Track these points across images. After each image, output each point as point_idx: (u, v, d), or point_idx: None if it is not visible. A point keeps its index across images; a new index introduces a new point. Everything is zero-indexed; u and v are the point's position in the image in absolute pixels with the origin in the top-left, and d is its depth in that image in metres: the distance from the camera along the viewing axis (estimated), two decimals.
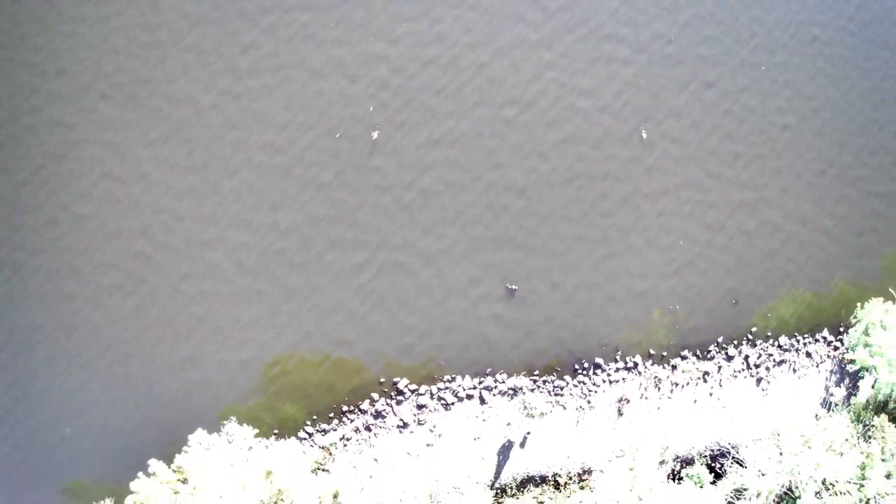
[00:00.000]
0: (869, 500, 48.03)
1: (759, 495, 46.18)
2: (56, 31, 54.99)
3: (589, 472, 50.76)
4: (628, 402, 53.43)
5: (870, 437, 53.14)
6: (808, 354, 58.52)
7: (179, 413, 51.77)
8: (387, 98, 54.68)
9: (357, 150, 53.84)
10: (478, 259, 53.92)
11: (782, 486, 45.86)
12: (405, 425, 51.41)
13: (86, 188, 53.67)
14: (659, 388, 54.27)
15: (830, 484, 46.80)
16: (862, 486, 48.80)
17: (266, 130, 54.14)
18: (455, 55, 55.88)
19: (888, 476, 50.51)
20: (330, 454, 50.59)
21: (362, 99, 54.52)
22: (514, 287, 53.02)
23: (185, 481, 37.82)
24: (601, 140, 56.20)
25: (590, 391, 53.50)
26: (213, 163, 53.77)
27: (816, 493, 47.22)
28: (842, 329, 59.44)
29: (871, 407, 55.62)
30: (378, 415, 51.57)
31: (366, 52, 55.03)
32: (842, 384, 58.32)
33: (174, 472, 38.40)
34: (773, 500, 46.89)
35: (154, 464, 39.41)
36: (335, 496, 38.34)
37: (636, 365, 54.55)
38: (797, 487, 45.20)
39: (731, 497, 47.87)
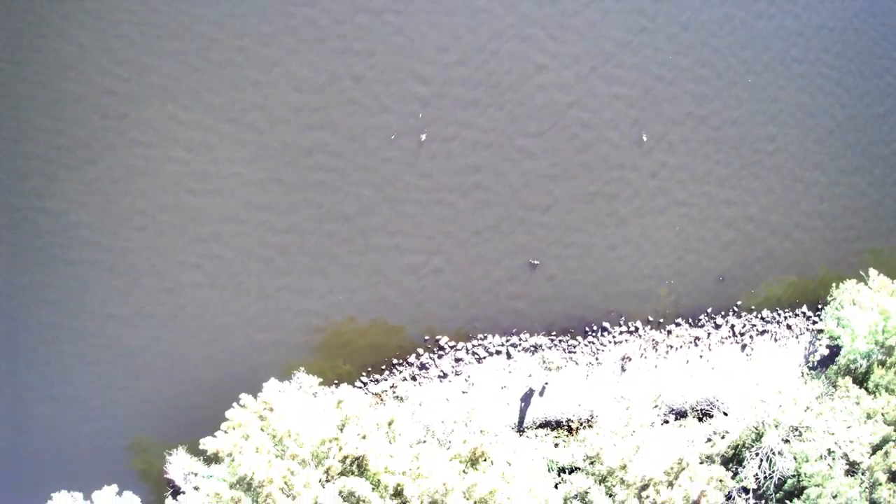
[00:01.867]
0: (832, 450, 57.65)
1: (728, 434, 56.64)
2: None
3: (596, 417, 61.27)
4: (630, 360, 63.95)
5: (835, 397, 62.87)
6: (789, 327, 68.14)
7: (241, 373, 61.80)
8: (431, 112, 65.68)
9: (408, 146, 65.14)
10: (507, 240, 64.43)
11: (753, 427, 55.87)
12: (445, 375, 62.51)
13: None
14: (656, 350, 64.63)
15: (795, 428, 56.63)
16: (832, 433, 58.53)
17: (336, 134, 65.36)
18: (492, 82, 66.71)
19: (849, 427, 60.17)
20: (381, 400, 61.19)
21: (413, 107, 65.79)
22: (536, 262, 63.76)
23: (270, 410, 48.12)
24: (609, 147, 66.75)
25: (598, 350, 64.17)
26: (289, 151, 64.89)
27: (784, 440, 57.01)
28: (820, 306, 69.12)
29: (840, 372, 65.29)
30: (422, 367, 62.75)
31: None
32: (817, 353, 68.14)
33: (262, 403, 48.70)
34: (749, 440, 56.87)
35: (244, 396, 49.68)
36: (390, 422, 48.62)
37: (637, 329, 65.09)
38: (763, 424, 55.13)
39: (711, 436, 58.07)
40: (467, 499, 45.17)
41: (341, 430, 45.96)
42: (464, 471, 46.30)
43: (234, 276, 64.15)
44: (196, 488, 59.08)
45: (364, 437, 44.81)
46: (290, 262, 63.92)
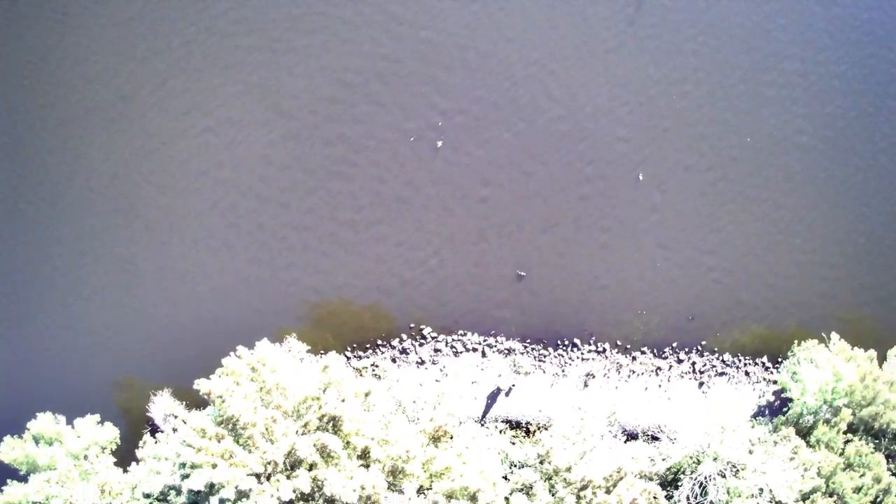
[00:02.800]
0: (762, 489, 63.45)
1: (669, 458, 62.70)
2: None
3: (553, 423, 67.22)
4: (593, 377, 69.73)
5: (776, 443, 68.75)
6: (747, 373, 73.90)
7: (235, 332, 66.89)
8: (448, 125, 71.86)
9: (423, 151, 71.48)
10: (501, 252, 70.78)
11: (693, 455, 61.80)
12: (423, 362, 68.66)
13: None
14: (619, 372, 70.45)
15: (732, 465, 62.51)
16: (764, 472, 64.34)
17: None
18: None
19: (783, 471, 66.06)
20: (361, 375, 67.25)
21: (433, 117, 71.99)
22: (523, 273, 69.95)
23: (263, 364, 53.94)
24: (608, 185, 72.61)
25: (566, 363, 70.07)
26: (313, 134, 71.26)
27: (721, 474, 62.84)
28: (779, 360, 74.86)
29: (786, 423, 71.11)
30: (404, 351, 69.08)
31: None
32: (768, 402, 73.67)
33: (256, 357, 54.52)
34: (687, 467, 62.81)
35: (241, 348, 55.46)
36: (367, 393, 54.42)
37: (605, 350, 70.96)
38: (703, 454, 61.06)
39: (654, 457, 64.00)
40: (425, 471, 51.10)
41: (323, 391, 51.82)
42: (426, 445, 52.30)
43: (245, 245, 70.49)
44: (175, 429, 65.27)
45: (343, 401, 50.75)
46: (300, 242, 70.43)
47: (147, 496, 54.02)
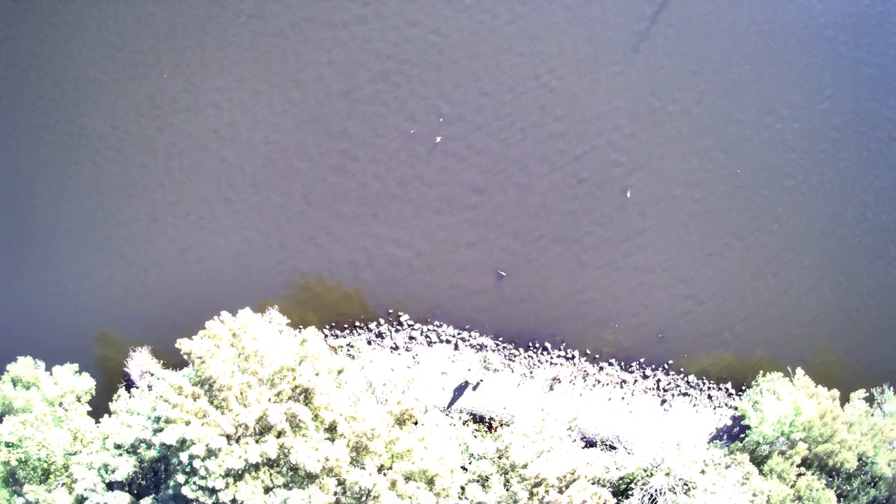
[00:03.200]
0: None
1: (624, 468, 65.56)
2: None
3: (515, 421, 69.99)
4: (559, 382, 72.54)
5: (729, 467, 71.59)
6: (710, 397, 76.79)
7: (218, 300, 69.28)
8: (448, 130, 74.72)
9: (419, 141, 74.22)
10: (486, 254, 73.67)
11: (647, 468, 64.62)
12: (396, 348, 71.44)
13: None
14: (585, 380, 73.27)
15: (684, 482, 65.29)
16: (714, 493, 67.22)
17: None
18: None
19: (732, 495, 68.90)
20: (336, 353, 69.84)
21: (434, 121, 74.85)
22: (503, 274, 72.75)
23: (244, 331, 56.39)
24: (597, 204, 75.37)
25: (534, 365, 72.88)
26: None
27: (671, 489, 65.61)
28: (743, 388, 77.70)
29: (742, 449, 73.95)
30: (379, 335, 71.89)
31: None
32: (727, 427, 76.71)
33: (239, 323, 56.97)
34: (640, 478, 65.55)
35: (224, 314, 57.81)
36: (340, 371, 56.96)
37: (573, 357, 73.82)
38: (656, 468, 63.89)
39: (609, 465, 66.87)
40: (387, 450, 53.71)
41: (299, 363, 54.38)
42: (391, 426, 54.92)
43: (239, 221, 73.50)
44: (150, 386, 67.69)
45: (317, 375, 53.32)
46: (293, 224, 73.47)
47: (118, 447, 56.30)
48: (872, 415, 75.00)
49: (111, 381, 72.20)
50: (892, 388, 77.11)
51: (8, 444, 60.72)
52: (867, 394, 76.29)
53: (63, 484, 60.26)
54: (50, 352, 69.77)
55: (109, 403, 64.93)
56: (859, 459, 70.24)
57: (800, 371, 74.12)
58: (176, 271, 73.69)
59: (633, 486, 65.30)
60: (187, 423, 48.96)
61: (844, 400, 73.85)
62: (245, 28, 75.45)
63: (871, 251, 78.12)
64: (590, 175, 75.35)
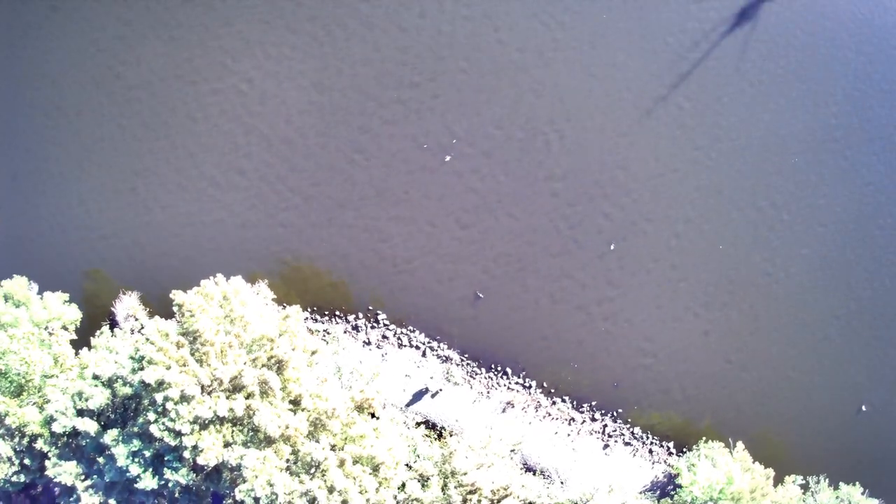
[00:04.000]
0: None
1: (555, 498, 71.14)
2: None
3: (464, 433, 75.57)
4: (513, 407, 78.01)
5: None
6: (651, 451, 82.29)
7: (212, 263, 75.44)
8: (459, 152, 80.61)
9: (430, 158, 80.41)
10: (470, 275, 79.57)
11: (576, 500, 70.37)
12: (369, 343, 76.96)
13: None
14: (537, 410, 78.74)
15: None
16: None
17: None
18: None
19: None
20: (312, 335, 75.41)
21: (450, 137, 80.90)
22: (481, 295, 78.57)
23: (235, 295, 61.87)
24: (581, 253, 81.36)
25: (492, 386, 78.45)
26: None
27: None
28: (684, 449, 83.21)
29: (672, 500, 79.40)
30: (356, 328, 77.44)
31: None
32: (661, 483, 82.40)
33: (232, 288, 62.48)
34: None
35: (219, 276, 63.27)
36: (314, 352, 62.47)
37: (531, 387, 79.42)
38: (584, 502, 69.69)
39: (541, 490, 72.54)
40: (342, 432, 59.22)
41: (279, 336, 59.96)
42: (350, 410, 60.46)
43: (248, 196, 79.15)
44: (133, 330, 72.85)
45: (293, 350, 58.86)
46: (296, 205, 79.26)
47: (96, 377, 61.43)
48: (804, 502, 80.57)
49: (95, 319, 76.66)
50: (827, 480, 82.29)
51: None
52: (804, 481, 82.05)
53: (34, 403, 65.06)
54: (42, 278, 74.79)
55: (91, 338, 69.72)
56: None
57: (740, 445, 79.45)
58: (178, 227, 79.10)
59: None
60: (167, 368, 54.36)
61: (779, 481, 79.49)
62: (297, 14, 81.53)
63: (836, 349, 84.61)
64: (579, 221, 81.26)
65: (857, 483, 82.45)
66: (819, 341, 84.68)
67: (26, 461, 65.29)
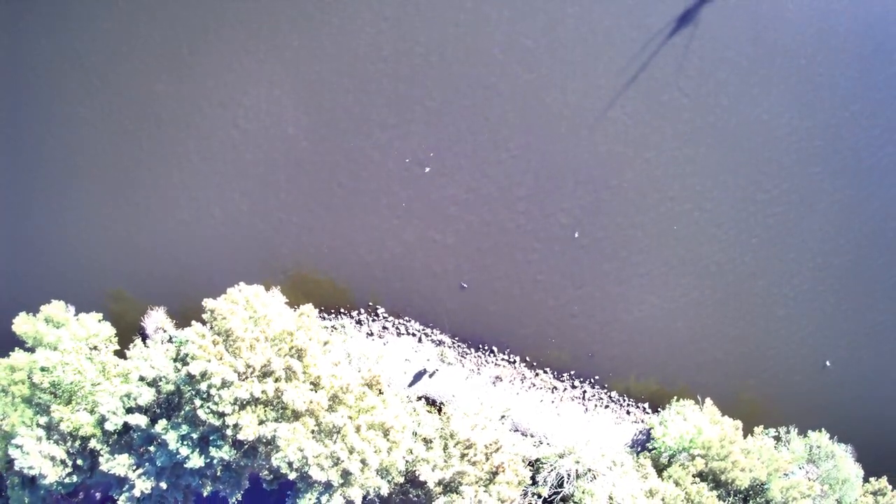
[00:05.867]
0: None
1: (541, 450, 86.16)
2: None
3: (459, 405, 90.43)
4: (501, 381, 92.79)
5: (635, 469, 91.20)
6: (628, 412, 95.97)
7: (229, 277, 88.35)
8: (439, 163, 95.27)
9: (411, 170, 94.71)
10: (451, 270, 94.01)
11: (560, 453, 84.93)
12: (371, 334, 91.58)
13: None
14: (522, 383, 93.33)
15: (590, 470, 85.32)
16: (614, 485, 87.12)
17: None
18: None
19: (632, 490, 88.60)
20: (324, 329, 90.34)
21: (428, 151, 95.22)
22: (465, 285, 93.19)
23: (257, 298, 76.59)
24: (543, 247, 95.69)
25: (482, 364, 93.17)
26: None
27: (577, 473, 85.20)
28: (659, 409, 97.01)
29: (648, 457, 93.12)
30: (359, 322, 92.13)
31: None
32: (640, 440, 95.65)
33: (254, 293, 77.22)
34: (553, 462, 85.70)
35: (242, 284, 78.00)
36: (326, 342, 77.27)
37: (515, 362, 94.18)
38: (568, 455, 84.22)
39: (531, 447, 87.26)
40: (356, 405, 73.98)
41: (297, 330, 74.75)
42: (362, 386, 75.29)
43: (253, 200, 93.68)
44: (165, 339, 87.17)
45: (310, 340, 73.63)
46: (302, 217, 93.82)
47: (142, 379, 75.83)
48: (778, 451, 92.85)
49: (123, 335, 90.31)
50: (796, 430, 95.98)
51: (43, 369, 78.18)
52: (776, 433, 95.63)
53: (84, 408, 78.44)
54: (72, 302, 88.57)
55: (126, 351, 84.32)
56: (753, 482, 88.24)
57: (708, 401, 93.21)
58: (195, 242, 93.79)
59: (543, 463, 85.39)
60: (209, 361, 69.02)
61: (749, 433, 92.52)
62: (294, 30, 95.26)
63: (800, 311, 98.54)
64: (545, 216, 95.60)
65: (823, 430, 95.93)
66: (782, 306, 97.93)
67: (79, 462, 78.99)
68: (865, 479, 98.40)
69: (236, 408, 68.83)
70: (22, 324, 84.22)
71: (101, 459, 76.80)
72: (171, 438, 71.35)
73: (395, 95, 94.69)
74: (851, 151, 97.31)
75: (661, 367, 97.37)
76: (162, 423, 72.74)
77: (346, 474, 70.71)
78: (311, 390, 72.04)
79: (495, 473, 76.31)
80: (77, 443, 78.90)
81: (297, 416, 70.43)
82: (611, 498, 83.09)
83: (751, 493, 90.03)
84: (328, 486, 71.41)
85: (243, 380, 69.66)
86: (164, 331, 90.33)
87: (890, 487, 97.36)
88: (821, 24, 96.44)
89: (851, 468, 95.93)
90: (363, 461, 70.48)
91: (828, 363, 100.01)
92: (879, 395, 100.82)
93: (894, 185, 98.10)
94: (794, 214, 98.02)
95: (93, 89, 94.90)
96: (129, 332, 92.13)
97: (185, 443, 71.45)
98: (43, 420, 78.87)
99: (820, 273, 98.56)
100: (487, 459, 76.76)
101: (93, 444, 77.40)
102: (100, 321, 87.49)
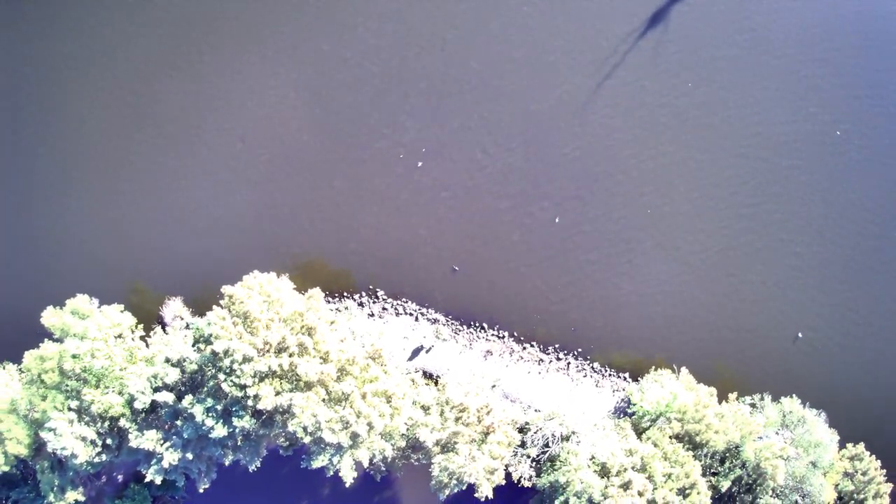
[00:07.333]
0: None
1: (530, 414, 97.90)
2: None
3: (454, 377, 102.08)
4: (491, 355, 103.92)
5: (616, 431, 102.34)
6: (611, 382, 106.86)
7: (239, 266, 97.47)
8: (430, 161, 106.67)
9: (406, 165, 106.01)
10: (442, 257, 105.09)
11: (547, 416, 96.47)
12: (372, 315, 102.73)
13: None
14: (511, 356, 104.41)
15: (574, 433, 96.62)
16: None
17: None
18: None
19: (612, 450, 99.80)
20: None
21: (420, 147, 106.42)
22: (457, 268, 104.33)
23: (269, 283, 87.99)
24: (527, 231, 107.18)
25: (473, 339, 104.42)
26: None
27: (563, 436, 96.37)
28: (638, 379, 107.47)
29: (629, 422, 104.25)
30: (361, 304, 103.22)
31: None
32: (621, 408, 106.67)
33: (266, 279, 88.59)
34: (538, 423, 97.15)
35: (255, 272, 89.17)
36: (332, 322, 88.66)
37: (504, 337, 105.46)
38: (554, 419, 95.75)
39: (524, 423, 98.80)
40: (361, 376, 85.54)
41: (306, 311, 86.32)
42: (366, 358, 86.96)
43: (261, 191, 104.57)
44: (187, 326, 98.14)
45: (319, 319, 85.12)
46: (306, 210, 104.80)
47: (167, 360, 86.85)
48: (753, 416, 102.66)
49: (143, 324, 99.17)
50: (770, 396, 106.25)
51: (74, 356, 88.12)
52: (752, 400, 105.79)
53: (113, 391, 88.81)
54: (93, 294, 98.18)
55: (146, 339, 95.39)
56: (728, 445, 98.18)
57: (684, 370, 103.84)
58: (207, 234, 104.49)
59: (530, 427, 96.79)
60: (230, 339, 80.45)
61: (724, 399, 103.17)
62: (303, 39, 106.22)
63: (774, 286, 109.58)
64: (527, 202, 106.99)
65: (794, 396, 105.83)
66: (756, 281, 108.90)
67: (108, 441, 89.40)
68: (843, 446, 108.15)
69: (256, 380, 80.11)
70: (50, 317, 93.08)
71: (130, 436, 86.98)
72: (198, 411, 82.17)
73: (389, 99, 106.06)
74: (822, 136, 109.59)
75: (640, 340, 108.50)
76: (188, 398, 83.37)
77: (354, 436, 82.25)
78: (321, 363, 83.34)
79: (487, 434, 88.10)
80: (106, 423, 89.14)
81: (309, 386, 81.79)
82: (592, 457, 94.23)
83: (727, 454, 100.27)
84: (338, 449, 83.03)
85: (262, 355, 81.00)
86: (182, 318, 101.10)
87: (868, 453, 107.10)
88: None
89: (824, 433, 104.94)
90: (369, 424, 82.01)
91: (800, 335, 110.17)
92: (851, 364, 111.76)
93: (866, 168, 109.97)
94: (767, 197, 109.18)
95: (101, 88, 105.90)
96: (148, 321, 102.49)
97: (210, 414, 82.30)
98: (74, 404, 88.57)
99: (791, 251, 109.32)
100: (480, 421, 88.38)
101: (122, 423, 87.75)
102: (122, 311, 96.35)
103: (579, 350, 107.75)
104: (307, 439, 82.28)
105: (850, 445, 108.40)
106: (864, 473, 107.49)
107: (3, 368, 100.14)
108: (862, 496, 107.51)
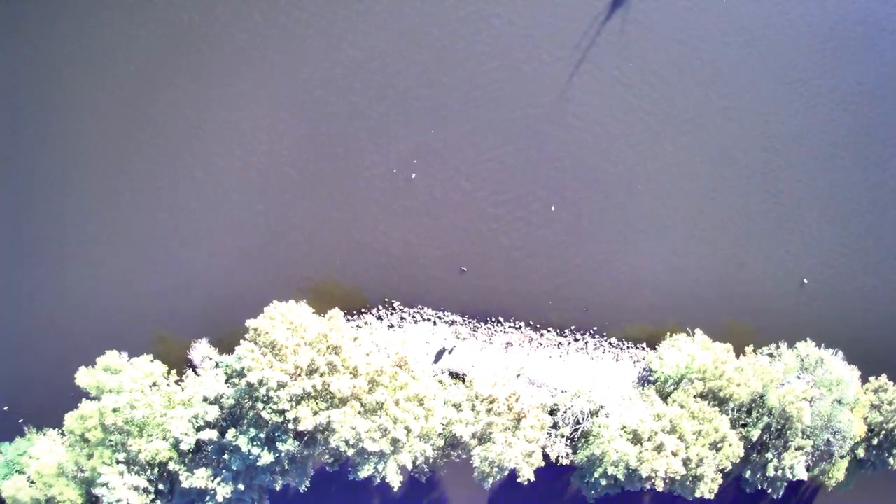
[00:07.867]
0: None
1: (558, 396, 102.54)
2: None
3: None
4: (511, 346, 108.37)
5: (641, 399, 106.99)
6: (630, 354, 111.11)
7: (255, 301, 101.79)
8: (423, 172, 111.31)
9: (400, 178, 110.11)
10: (451, 253, 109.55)
11: (575, 394, 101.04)
12: (392, 326, 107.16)
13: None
14: (530, 344, 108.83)
15: (602, 406, 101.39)
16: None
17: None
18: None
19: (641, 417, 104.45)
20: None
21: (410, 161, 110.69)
22: (465, 269, 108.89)
23: (290, 311, 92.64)
24: (525, 228, 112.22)
25: (492, 334, 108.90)
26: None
27: (592, 411, 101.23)
28: (656, 347, 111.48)
29: (654, 389, 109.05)
30: (379, 317, 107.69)
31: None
32: (643, 377, 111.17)
33: (287, 308, 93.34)
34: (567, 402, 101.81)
35: (275, 302, 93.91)
36: (355, 338, 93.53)
37: (521, 327, 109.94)
38: (580, 396, 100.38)
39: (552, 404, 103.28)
40: (390, 384, 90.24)
41: (329, 331, 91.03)
42: (393, 366, 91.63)
43: (266, 224, 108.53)
44: (216, 365, 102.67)
45: (342, 337, 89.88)
46: (312, 239, 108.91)
47: (205, 399, 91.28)
48: (772, 364, 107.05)
49: (172, 369, 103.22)
50: (786, 344, 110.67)
51: (115, 410, 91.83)
52: (769, 351, 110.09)
53: (157, 437, 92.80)
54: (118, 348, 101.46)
55: (179, 383, 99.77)
56: (752, 396, 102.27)
57: (698, 331, 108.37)
58: (219, 274, 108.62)
59: (559, 408, 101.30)
60: (262, 369, 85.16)
61: (741, 353, 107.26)
62: (290, 60, 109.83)
63: (777, 231, 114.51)
64: (520, 196, 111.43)
65: (808, 339, 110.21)
66: (759, 228, 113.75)
67: (160, 486, 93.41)
68: (865, 380, 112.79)
69: (293, 404, 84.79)
70: (84, 377, 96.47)
71: (181, 478, 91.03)
72: (243, 442, 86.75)
73: (374, 119, 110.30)
74: (809, 95, 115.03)
75: (651, 309, 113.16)
76: (231, 432, 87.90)
77: (394, 442, 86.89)
78: (352, 378, 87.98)
79: (519, 420, 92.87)
80: (156, 469, 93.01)
81: (344, 401, 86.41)
82: (623, 426, 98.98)
83: (752, 405, 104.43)
84: (381, 456, 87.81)
85: (295, 379, 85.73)
86: (210, 358, 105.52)
87: (891, 383, 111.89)
88: None
89: (843, 369, 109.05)
90: (407, 428, 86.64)
91: (805, 280, 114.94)
92: (858, 302, 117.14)
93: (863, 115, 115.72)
94: (761, 157, 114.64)
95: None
96: (179, 366, 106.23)
97: (254, 444, 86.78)
98: (121, 456, 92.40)
99: (788, 197, 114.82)
100: (510, 409, 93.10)
101: (171, 466, 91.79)
102: (151, 361, 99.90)
103: (595, 328, 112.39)
104: (350, 452, 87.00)
105: (872, 379, 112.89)
106: (889, 403, 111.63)
107: (45, 435, 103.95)
108: (892, 425, 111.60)
